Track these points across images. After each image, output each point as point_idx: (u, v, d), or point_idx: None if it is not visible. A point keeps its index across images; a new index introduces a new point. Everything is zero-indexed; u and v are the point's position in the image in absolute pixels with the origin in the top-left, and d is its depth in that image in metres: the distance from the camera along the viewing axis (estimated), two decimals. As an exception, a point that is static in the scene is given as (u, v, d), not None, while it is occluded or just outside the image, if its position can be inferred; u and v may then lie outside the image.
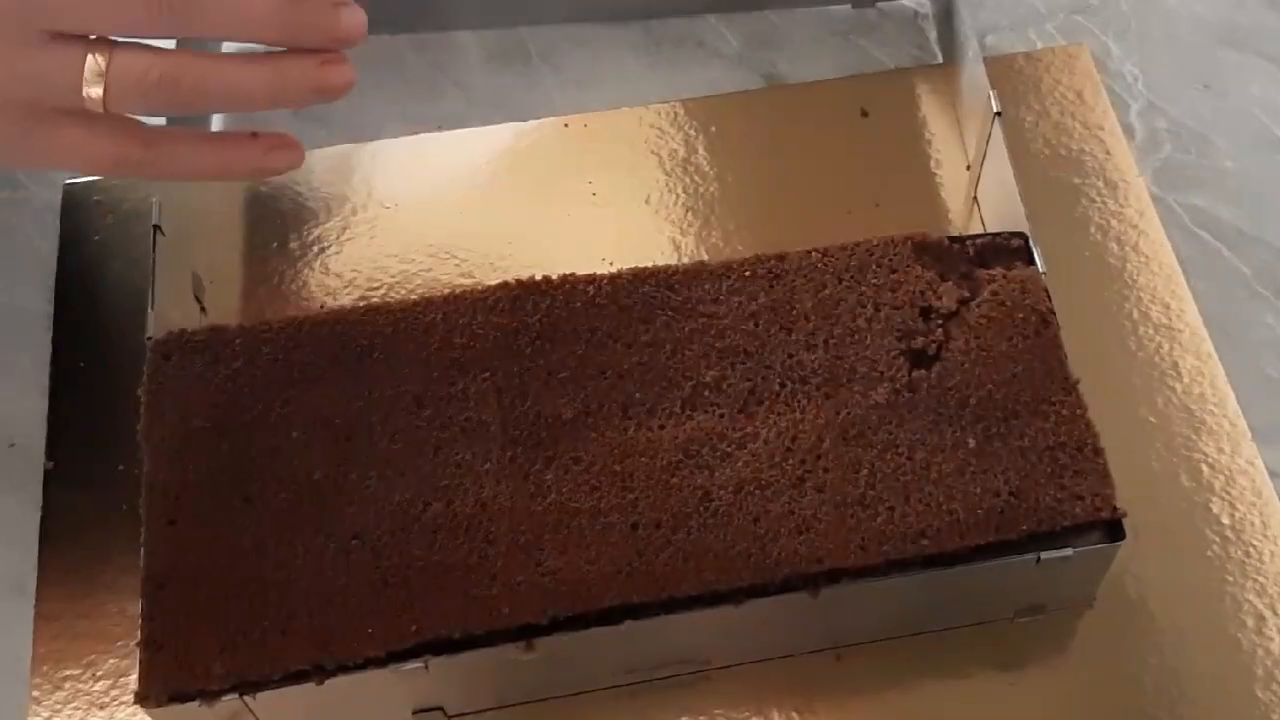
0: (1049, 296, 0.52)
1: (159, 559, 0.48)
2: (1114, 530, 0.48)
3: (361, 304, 0.53)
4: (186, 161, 0.45)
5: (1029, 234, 0.54)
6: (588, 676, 0.51)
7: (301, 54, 0.44)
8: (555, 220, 0.62)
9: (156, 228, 0.56)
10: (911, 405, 0.50)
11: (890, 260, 0.53)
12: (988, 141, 0.59)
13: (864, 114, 0.65)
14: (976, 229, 0.60)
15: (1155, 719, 0.51)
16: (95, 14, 0.42)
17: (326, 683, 0.46)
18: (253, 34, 0.43)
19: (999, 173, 0.57)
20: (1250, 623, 0.52)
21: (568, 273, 0.53)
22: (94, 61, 0.42)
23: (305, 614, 0.47)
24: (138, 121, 0.45)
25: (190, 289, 0.60)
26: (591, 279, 0.53)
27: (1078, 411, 0.49)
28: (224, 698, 0.46)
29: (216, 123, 0.67)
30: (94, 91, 0.42)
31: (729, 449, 0.49)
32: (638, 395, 0.50)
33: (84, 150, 0.44)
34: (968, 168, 0.63)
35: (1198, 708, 0.51)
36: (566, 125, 0.66)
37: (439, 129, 0.66)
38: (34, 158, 0.45)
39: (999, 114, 0.57)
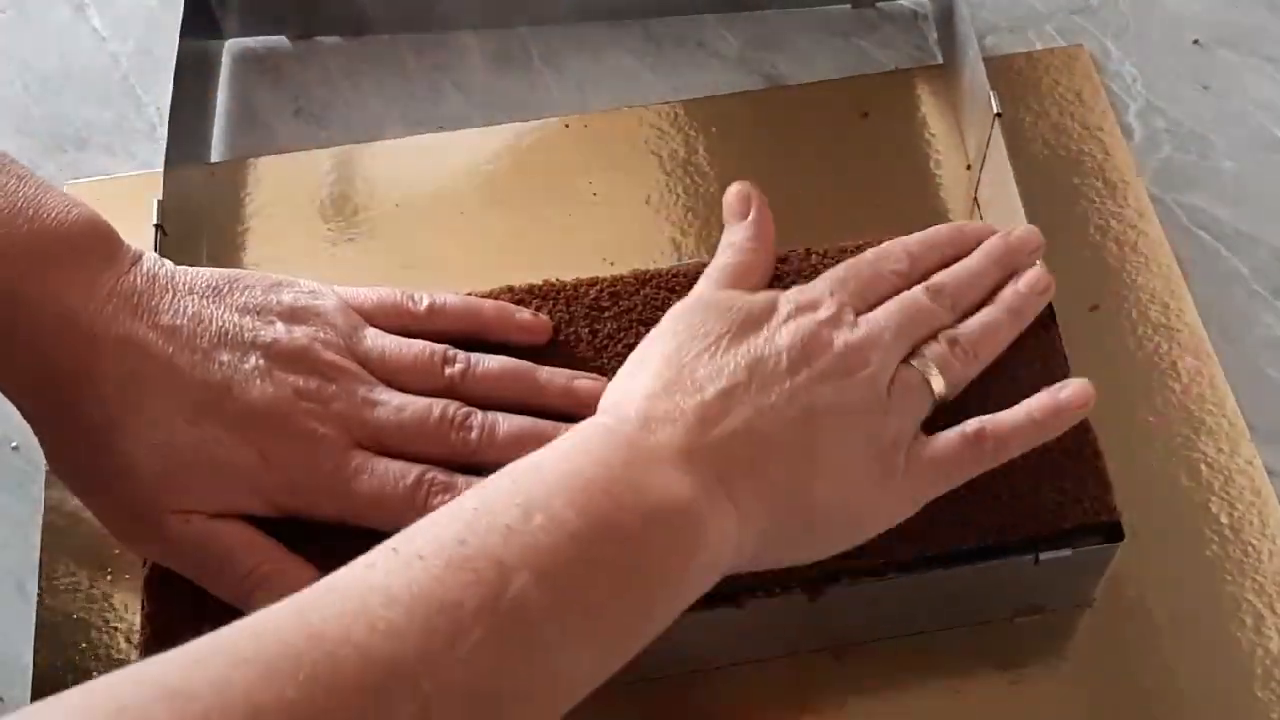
0: (1048, 297, 0.52)
1: (161, 559, 0.48)
2: (1113, 530, 0.48)
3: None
4: None
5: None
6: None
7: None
8: (555, 220, 0.63)
9: (159, 227, 0.56)
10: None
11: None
12: (987, 142, 0.59)
13: (864, 115, 0.65)
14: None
15: (1154, 718, 0.51)
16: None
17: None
18: None
19: (999, 173, 0.57)
20: (1249, 621, 0.52)
21: (569, 277, 0.53)
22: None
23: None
24: None
25: (191, 289, 0.60)
26: (593, 282, 0.53)
27: (1077, 414, 0.49)
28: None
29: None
30: None
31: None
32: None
33: None
34: (968, 168, 0.63)
35: (1196, 706, 0.51)
36: (567, 126, 0.66)
37: (440, 130, 0.66)
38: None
39: (999, 115, 0.58)
